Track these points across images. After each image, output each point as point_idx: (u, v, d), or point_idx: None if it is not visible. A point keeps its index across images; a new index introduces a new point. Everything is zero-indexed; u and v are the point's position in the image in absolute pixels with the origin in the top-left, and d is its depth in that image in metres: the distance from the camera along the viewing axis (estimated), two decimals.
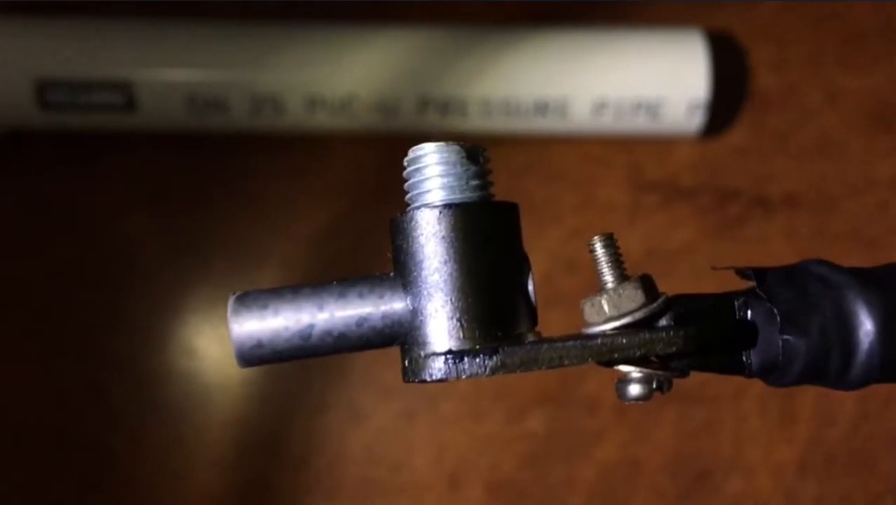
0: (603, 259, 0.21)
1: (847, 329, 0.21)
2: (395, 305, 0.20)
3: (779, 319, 0.21)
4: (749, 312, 0.21)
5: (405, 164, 0.21)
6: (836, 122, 0.53)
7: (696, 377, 0.54)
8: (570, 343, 0.20)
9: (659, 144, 0.51)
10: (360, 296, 0.20)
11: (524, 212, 0.21)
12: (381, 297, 0.20)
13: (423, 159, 0.21)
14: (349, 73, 0.47)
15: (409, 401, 0.48)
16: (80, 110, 0.46)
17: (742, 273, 0.22)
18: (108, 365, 0.48)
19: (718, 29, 0.52)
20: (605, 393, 0.49)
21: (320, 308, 0.20)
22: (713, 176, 0.52)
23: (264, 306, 0.20)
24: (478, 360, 0.20)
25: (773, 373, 0.21)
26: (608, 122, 0.49)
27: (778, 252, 0.51)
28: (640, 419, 0.49)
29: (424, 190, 0.21)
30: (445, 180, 0.21)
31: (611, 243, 0.21)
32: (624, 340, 0.20)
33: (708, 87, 0.48)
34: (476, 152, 0.21)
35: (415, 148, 0.21)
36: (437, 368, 0.20)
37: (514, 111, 0.48)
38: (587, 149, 0.51)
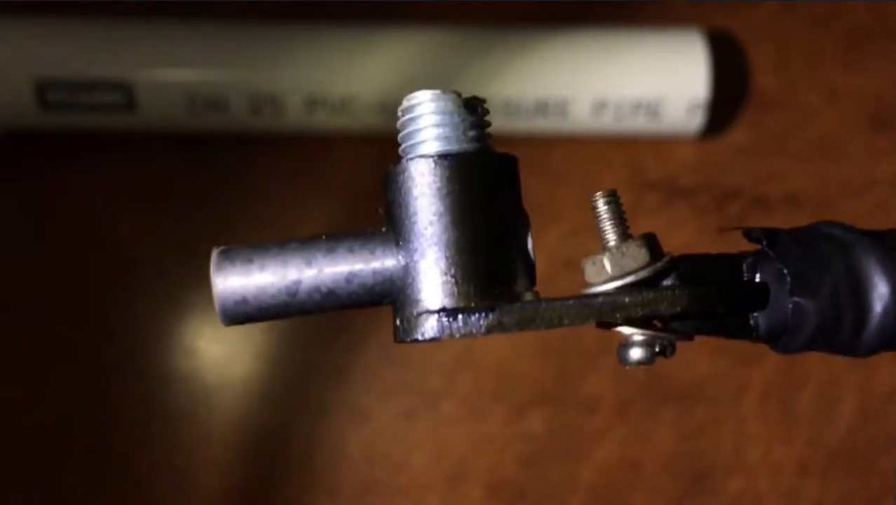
0: (605, 216, 0.20)
1: (860, 290, 0.20)
2: (386, 260, 0.19)
3: (788, 279, 0.20)
4: (758, 273, 0.20)
5: (399, 113, 0.20)
6: (836, 122, 0.53)
7: (696, 377, 0.54)
8: (571, 302, 0.19)
9: (659, 144, 0.51)
10: (351, 251, 0.20)
11: None
12: (373, 252, 0.20)
13: (418, 108, 0.20)
14: (349, 73, 0.47)
15: (409, 401, 0.48)
16: (80, 110, 0.46)
17: (750, 234, 0.21)
18: (109, 365, 0.48)
19: (718, 29, 0.52)
20: (605, 393, 0.49)
21: (308, 263, 0.19)
22: (713, 176, 0.52)
23: (249, 261, 0.20)
24: (473, 318, 0.19)
25: (781, 337, 0.20)
26: (608, 122, 0.49)
27: None
28: (640, 419, 0.49)
29: (419, 140, 0.20)
30: (441, 130, 0.20)
31: (614, 200, 0.20)
32: (627, 299, 0.19)
33: (708, 87, 0.48)
34: (474, 102, 0.20)
35: (409, 96, 0.20)
36: (430, 326, 0.19)
37: (514, 111, 0.48)
38: (587, 149, 0.51)
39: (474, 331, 0.19)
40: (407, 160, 0.20)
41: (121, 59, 0.46)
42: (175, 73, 0.46)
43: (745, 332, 0.21)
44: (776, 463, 0.49)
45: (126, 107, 0.46)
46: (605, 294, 0.19)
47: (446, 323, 0.19)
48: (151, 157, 0.50)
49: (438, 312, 0.19)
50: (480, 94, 0.53)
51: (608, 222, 0.20)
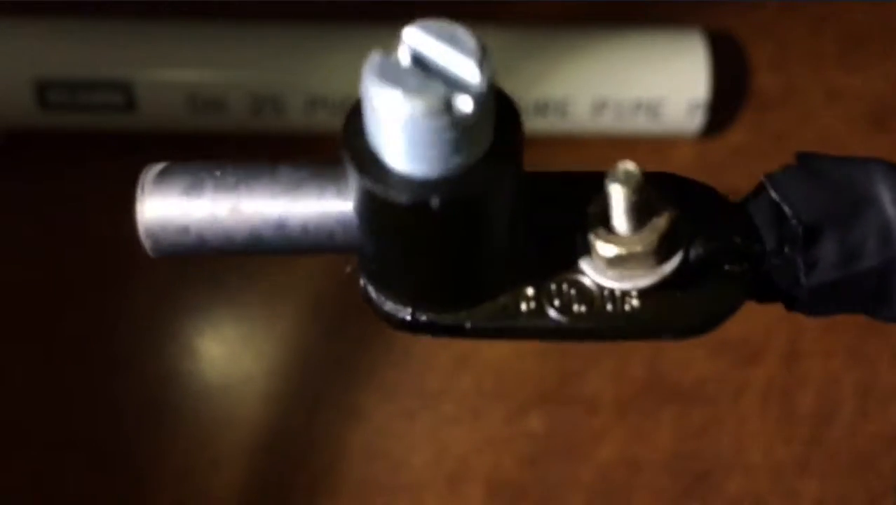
0: (619, 202, 0.17)
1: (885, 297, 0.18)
2: (350, 240, 0.16)
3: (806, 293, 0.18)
4: (774, 270, 0.18)
5: (363, 78, 0.14)
6: (836, 122, 0.53)
7: (695, 377, 0.54)
8: (547, 322, 0.17)
9: (659, 144, 0.51)
10: (306, 232, 0.17)
11: None
12: (332, 236, 0.16)
13: (386, 106, 0.14)
14: (349, 73, 0.47)
15: (409, 400, 0.48)
16: (80, 110, 0.46)
17: (798, 218, 0.18)
18: (109, 365, 0.48)
19: (718, 29, 0.52)
20: (605, 393, 0.49)
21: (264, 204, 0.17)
22: (713, 176, 0.51)
23: (188, 185, 0.17)
24: (441, 329, 0.17)
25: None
26: (608, 122, 0.49)
27: None
28: (640, 419, 0.49)
29: (391, 149, 0.15)
30: (424, 148, 0.14)
31: (636, 186, 0.17)
32: (609, 327, 0.17)
33: (708, 87, 0.48)
34: (471, 94, 0.14)
35: (373, 76, 0.14)
36: (397, 324, 0.17)
37: None
38: (587, 149, 0.51)
39: (442, 336, 0.17)
40: (373, 186, 0.15)
41: (121, 59, 0.46)
42: (175, 73, 0.46)
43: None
44: (776, 463, 0.49)
45: (126, 107, 0.46)
46: (595, 316, 0.17)
47: (412, 329, 0.17)
48: (151, 157, 0.50)
49: (403, 319, 0.17)
50: None
51: (621, 210, 0.17)
